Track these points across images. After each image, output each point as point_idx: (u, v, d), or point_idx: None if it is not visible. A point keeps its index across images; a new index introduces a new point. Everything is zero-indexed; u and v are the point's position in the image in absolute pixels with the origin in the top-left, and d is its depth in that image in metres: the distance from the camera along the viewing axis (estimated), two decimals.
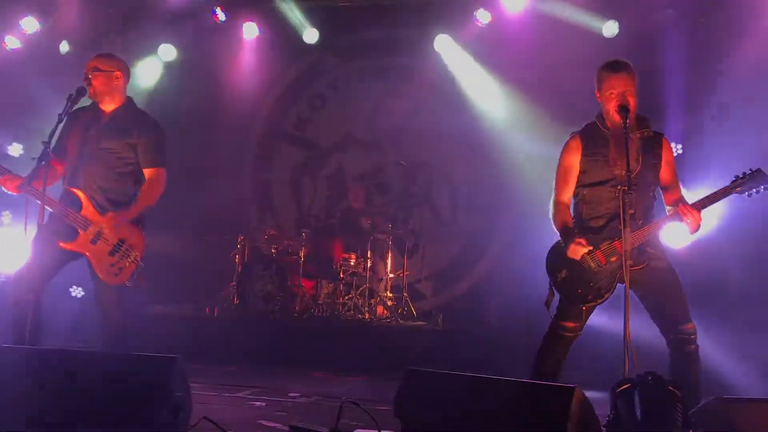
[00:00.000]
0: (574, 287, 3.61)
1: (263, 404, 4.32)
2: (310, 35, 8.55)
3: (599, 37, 7.53)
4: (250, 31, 8.64)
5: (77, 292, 7.58)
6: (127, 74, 4.24)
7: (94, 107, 4.18)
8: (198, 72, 8.77)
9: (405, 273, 7.91)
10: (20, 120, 7.98)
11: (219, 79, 8.86)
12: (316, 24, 8.53)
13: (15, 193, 3.90)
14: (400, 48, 8.63)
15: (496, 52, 7.98)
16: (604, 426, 2.81)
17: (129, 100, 4.25)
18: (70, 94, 3.97)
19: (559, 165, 3.80)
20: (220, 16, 8.50)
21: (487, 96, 8.22)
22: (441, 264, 8.61)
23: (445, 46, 8.28)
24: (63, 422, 2.87)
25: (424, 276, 8.56)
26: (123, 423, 2.83)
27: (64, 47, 8.51)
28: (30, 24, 8.37)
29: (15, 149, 8.23)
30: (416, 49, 8.44)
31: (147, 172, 4.15)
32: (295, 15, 8.39)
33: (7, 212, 8.05)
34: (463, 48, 8.25)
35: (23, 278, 3.85)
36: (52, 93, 7.53)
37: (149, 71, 8.62)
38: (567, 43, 7.30)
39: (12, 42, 8.43)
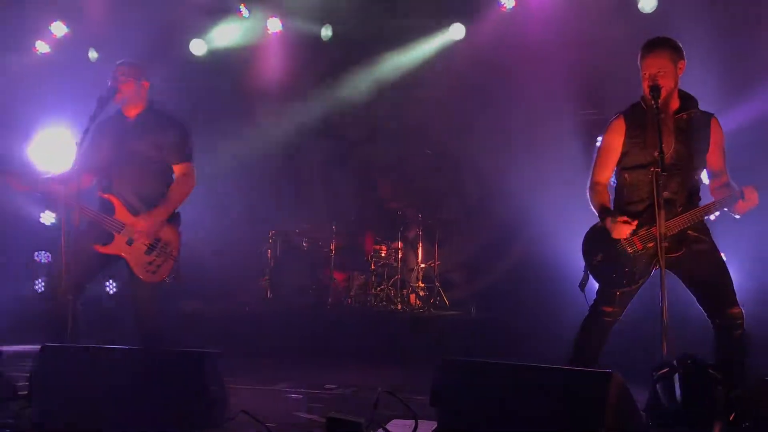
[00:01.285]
0: (609, 271, 3.56)
1: (299, 396, 4.35)
2: (326, 32, 8.58)
3: (637, 13, 7.19)
4: (274, 25, 8.66)
5: (111, 288, 7.71)
6: (148, 80, 4.31)
7: (118, 115, 4.25)
8: (227, 67, 8.82)
9: (436, 263, 7.89)
10: (47, 123, 8.13)
11: (248, 74, 8.91)
12: (337, 18, 8.53)
13: (21, 190, 3.98)
14: (424, 38, 8.58)
15: (523, 36, 7.87)
16: (643, 411, 2.78)
17: (151, 103, 4.32)
18: (101, 96, 4.04)
19: (600, 145, 3.73)
20: (244, 12, 8.55)
21: (513, 83, 8.13)
22: (472, 252, 8.56)
23: (464, 34, 8.22)
24: (103, 418, 2.92)
25: (456, 265, 8.52)
26: (160, 418, 2.87)
27: (93, 54, 8.63)
28: (59, 28, 8.51)
29: (48, 157, 8.38)
30: (440, 39, 8.39)
31: (176, 168, 4.22)
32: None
33: (50, 212, 8.21)
34: (487, 34, 8.16)
35: (62, 283, 3.92)
36: (82, 97, 7.68)
37: (178, 67, 8.69)
38: (600, 21, 7.11)
39: (42, 47, 8.58)
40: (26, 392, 3.25)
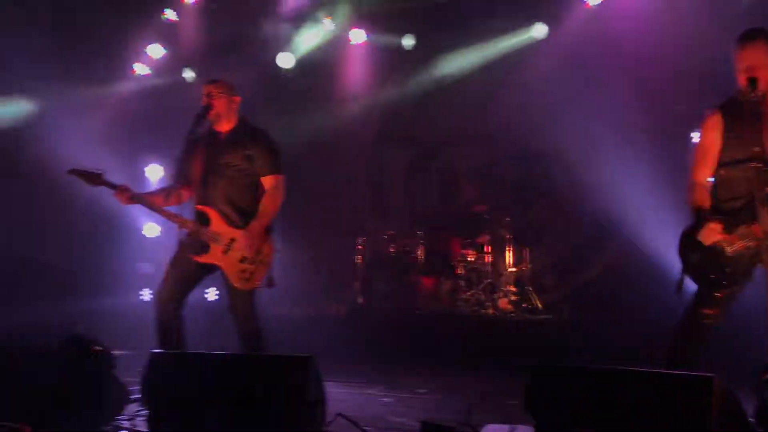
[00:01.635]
0: (707, 272, 3.43)
1: (392, 401, 4.41)
2: (408, 41, 8.66)
3: (730, 2, 6.86)
4: (357, 36, 8.82)
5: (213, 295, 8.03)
6: (238, 97, 4.49)
7: (210, 131, 4.43)
8: (310, 79, 9.05)
9: (527, 266, 7.80)
10: (153, 143, 8.56)
11: (331, 85, 9.11)
12: (417, 25, 8.61)
13: (126, 204, 4.22)
14: (505, 38, 8.52)
15: (609, 31, 7.69)
16: (751, 418, 2.67)
17: (242, 119, 4.49)
18: (197, 114, 4.25)
19: (698, 143, 3.63)
20: (329, 25, 8.76)
21: (600, 80, 7.94)
22: (564, 254, 8.39)
23: (547, 33, 8.11)
24: (210, 421, 3.06)
25: (547, 268, 8.38)
26: (264, 422, 2.98)
27: (188, 74, 9.03)
28: (156, 50, 8.96)
29: (152, 170, 8.84)
30: (522, 39, 8.31)
31: (266, 180, 4.35)
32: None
33: (152, 224, 8.65)
34: (571, 32, 8.02)
35: (164, 293, 4.15)
36: (179, 116, 8.07)
37: (265, 81, 8.98)
38: (691, 13, 6.87)
39: (141, 68, 9.04)
40: (138, 397, 3.45)
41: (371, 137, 9.59)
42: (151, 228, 8.90)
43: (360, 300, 7.99)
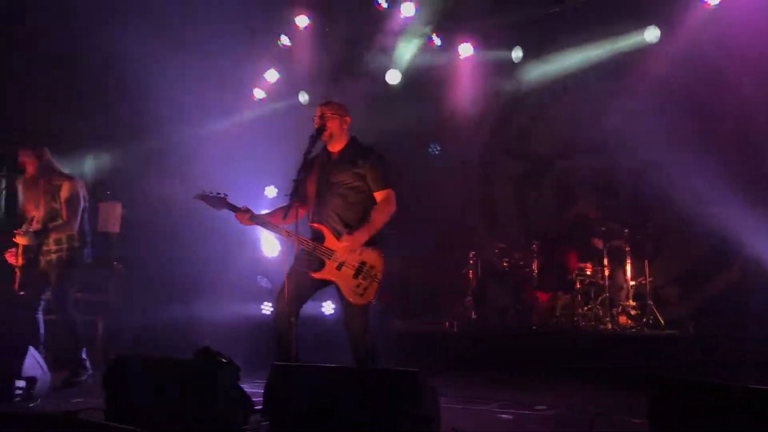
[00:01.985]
0: None
1: (510, 417, 4.36)
2: (516, 53, 8.58)
3: None
4: (465, 50, 8.84)
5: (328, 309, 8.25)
6: (349, 117, 4.63)
7: (324, 151, 4.60)
8: (419, 94, 9.16)
9: (647, 279, 7.49)
10: (272, 165, 8.93)
11: (440, 99, 9.17)
12: (527, 37, 8.53)
13: (246, 225, 4.42)
14: (617, 45, 8.27)
15: (730, 33, 7.32)
16: None
17: (353, 138, 4.64)
18: (312, 135, 4.43)
19: None
20: (436, 41, 8.86)
21: (720, 84, 7.56)
22: (687, 267, 7.99)
23: (661, 37, 7.80)
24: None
25: (669, 281, 8.01)
26: None
27: (303, 97, 9.37)
28: (272, 75, 9.37)
29: (270, 191, 9.23)
30: (635, 44, 8.05)
31: (377, 195, 4.47)
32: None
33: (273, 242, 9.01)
34: (689, 34, 7.68)
35: (281, 306, 4.31)
36: (295, 138, 8.41)
37: (375, 99, 9.17)
38: None
39: (259, 93, 9.48)
40: (261, 407, 3.60)
41: (482, 150, 9.56)
42: (271, 247, 9.29)
43: (473, 315, 7.95)
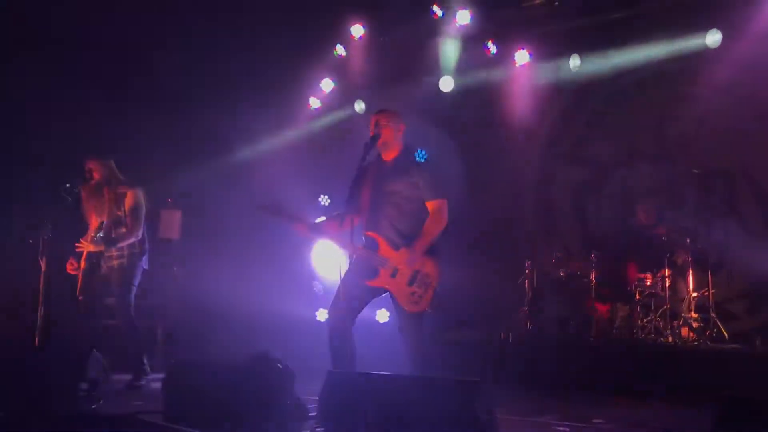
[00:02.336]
0: None
1: (567, 430, 4.27)
2: (575, 61, 8.47)
3: None
4: (521, 57, 8.76)
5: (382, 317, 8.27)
6: (403, 125, 4.64)
7: (377, 160, 4.61)
8: (475, 101, 9.10)
9: (710, 291, 7.25)
10: (325, 174, 9.03)
11: (495, 107, 9.09)
12: (584, 44, 8.40)
13: (305, 236, 4.46)
14: (678, 50, 8.05)
15: None
16: None
17: (406, 146, 4.63)
18: (366, 143, 4.45)
19: None
20: (492, 49, 8.81)
21: None
22: (755, 278, 7.67)
23: (722, 41, 7.57)
24: None
25: (735, 294, 7.72)
26: None
27: (359, 106, 9.43)
28: (327, 85, 9.47)
29: (324, 200, 9.33)
30: (696, 49, 7.82)
31: (430, 205, 4.45)
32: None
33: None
34: (753, 38, 7.42)
35: (336, 314, 4.33)
36: (348, 147, 8.49)
37: (430, 107, 9.17)
38: None
39: (314, 102, 9.59)
40: (315, 414, 3.62)
41: (539, 157, 9.44)
42: (324, 256, 9.37)
43: (528, 326, 7.83)
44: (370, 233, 4.46)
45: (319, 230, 4.51)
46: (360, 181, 4.55)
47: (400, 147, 4.60)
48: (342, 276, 4.40)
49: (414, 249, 4.30)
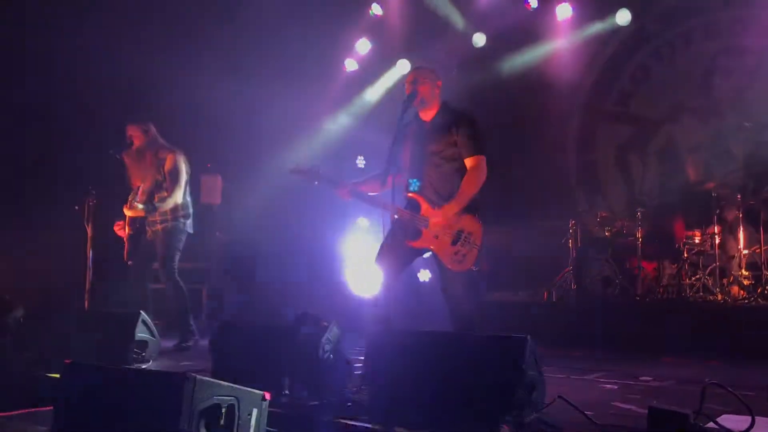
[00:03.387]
0: None
1: (615, 387, 4.22)
2: (623, 16, 8.19)
3: None
4: (564, 12, 8.52)
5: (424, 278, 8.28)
6: (441, 82, 4.53)
7: (416, 119, 4.53)
8: (514, 57, 8.90)
9: (762, 248, 7.04)
10: (362, 136, 8.98)
11: (535, 63, 8.88)
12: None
13: (347, 200, 4.42)
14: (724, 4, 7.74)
15: None
16: None
17: (445, 103, 4.54)
18: (403, 101, 4.37)
19: None
20: (532, 3, 8.57)
21: None
22: None
23: None
24: (428, 397, 3.13)
25: None
26: (479, 401, 2.98)
27: (396, 65, 9.26)
28: (364, 46, 9.34)
29: (360, 162, 9.28)
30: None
31: (468, 162, 4.36)
32: None
33: (363, 218, 9.11)
34: None
35: (382, 274, 4.31)
36: (385, 107, 8.41)
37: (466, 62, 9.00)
38: None
39: (351, 65, 9.48)
40: (361, 372, 3.63)
41: (581, 115, 9.22)
42: (363, 222, 9.39)
43: (572, 285, 7.73)
44: (410, 194, 4.42)
45: (360, 194, 4.46)
46: (400, 140, 4.49)
47: (438, 105, 4.52)
48: (384, 237, 4.37)
49: (451, 206, 4.25)
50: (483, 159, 4.38)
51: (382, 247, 4.38)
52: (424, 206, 4.33)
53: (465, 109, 4.57)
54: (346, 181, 4.51)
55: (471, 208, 4.34)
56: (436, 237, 4.26)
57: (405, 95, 4.43)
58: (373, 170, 4.62)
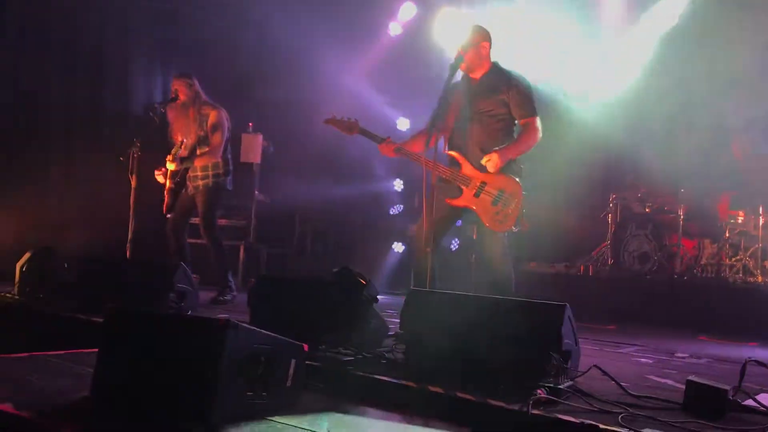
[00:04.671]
0: None
1: (650, 361, 4.19)
2: None
3: None
4: None
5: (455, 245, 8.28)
6: (490, 41, 4.48)
7: (466, 78, 4.50)
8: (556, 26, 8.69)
9: None
10: (405, 97, 8.91)
11: (578, 34, 8.66)
12: None
13: (391, 156, 4.41)
14: None
15: None
16: None
17: (495, 64, 4.50)
18: (450, 65, 4.33)
19: None
20: None
21: None
22: None
23: None
24: (462, 357, 3.14)
25: None
26: (515, 365, 2.99)
27: (438, 26, 9.12)
28: (408, 9, 9.22)
29: (402, 123, 9.23)
30: None
31: (522, 122, 4.37)
32: None
33: (399, 180, 9.11)
34: None
35: (420, 234, 4.32)
36: (427, 73, 8.30)
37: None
38: None
39: (395, 29, 9.38)
40: (397, 330, 3.66)
41: (628, 91, 9.00)
42: (398, 183, 9.41)
43: (610, 261, 7.66)
44: (453, 152, 4.40)
45: (405, 152, 4.46)
46: (446, 100, 4.48)
47: (487, 65, 4.48)
48: (427, 197, 4.37)
49: (502, 151, 4.22)
50: (536, 119, 4.37)
51: (424, 207, 4.38)
52: (466, 165, 4.31)
53: (514, 71, 4.52)
54: (391, 139, 4.49)
55: (514, 171, 4.33)
56: (477, 196, 4.26)
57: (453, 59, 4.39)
58: (418, 129, 4.60)
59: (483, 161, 4.24)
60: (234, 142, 6.61)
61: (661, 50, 8.38)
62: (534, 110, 4.37)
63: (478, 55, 4.43)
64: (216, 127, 5.88)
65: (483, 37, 4.48)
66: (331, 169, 9.06)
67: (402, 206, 9.31)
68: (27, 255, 5.23)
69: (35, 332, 4.54)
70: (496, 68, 4.49)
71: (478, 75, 4.48)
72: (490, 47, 4.48)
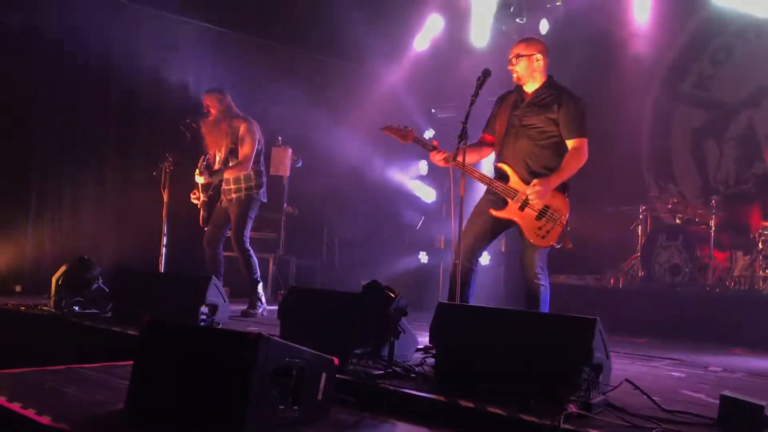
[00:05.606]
0: None
1: (682, 375, 4.14)
2: None
3: None
4: None
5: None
6: (546, 54, 4.43)
7: (519, 89, 4.48)
8: (586, 34, 8.62)
9: None
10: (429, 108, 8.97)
11: (609, 43, 8.61)
12: None
13: (442, 166, 4.40)
14: None
15: None
16: None
17: (550, 78, 4.46)
18: (478, 77, 4.30)
19: None
20: None
21: None
22: None
23: None
24: (492, 370, 3.14)
25: None
26: (547, 379, 2.98)
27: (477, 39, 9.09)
28: (436, 22, 9.24)
29: (427, 134, 9.28)
30: None
31: (569, 143, 4.31)
32: None
33: (431, 189, 9.12)
34: None
35: (463, 246, 4.28)
36: (460, 83, 8.32)
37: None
38: None
39: (422, 42, 9.40)
40: (427, 344, 3.67)
41: (657, 98, 8.94)
42: (429, 194, 9.42)
43: (640, 273, 7.59)
44: (500, 164, 4.39)
45: (456, 161, 4.43)
46: (495, 111, 4.50)
47: (542, 79, 4.42)
48: (473, 209, 4.40)
49: (549, 180, 4.20)
50: (585, 141, 4.31)
51: (469, 218, 4.39)
52: (513, 178, 4.31)
53: (570, 89, 4.46)
54: (441, 146, 4.47)
55: (561, 187, 4.30)
56: (521, 209, 4.24)
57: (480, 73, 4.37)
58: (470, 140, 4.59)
59: (528, 191, 4.21)
60: (265, 156, 6.68)
61: None
62: (583, 132, 4.30)
63: (530, 68, 4.38)
64: (245, 139, 5.96)
65: (537, 48, 4.41)
66: (362, 185, 9.14)
67: (429, 218, 9.32)
68: (63, 268, 5.34)
69: (71, 345, 4.63)
70: (550, 83, 4.43)
71: (531, 88, 4.43)
72: (545, 60, 4.42)
